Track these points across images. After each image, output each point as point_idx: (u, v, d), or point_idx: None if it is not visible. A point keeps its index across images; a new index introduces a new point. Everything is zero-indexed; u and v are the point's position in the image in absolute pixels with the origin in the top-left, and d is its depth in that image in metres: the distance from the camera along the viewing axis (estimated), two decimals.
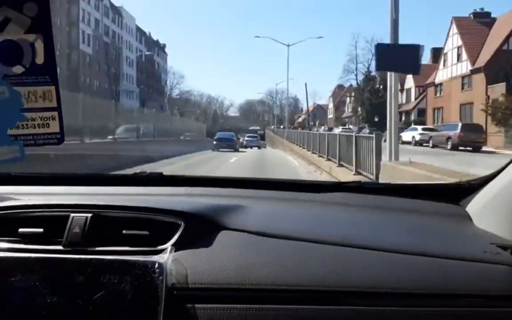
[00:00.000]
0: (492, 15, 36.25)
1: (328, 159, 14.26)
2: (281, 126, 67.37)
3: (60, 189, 1.45)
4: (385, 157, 8.95)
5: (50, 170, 5.01)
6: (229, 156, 22.59)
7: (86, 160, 12.21)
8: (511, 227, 1.09)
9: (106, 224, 1.04)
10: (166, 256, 0.96)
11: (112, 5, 62.25)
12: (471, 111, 33.35)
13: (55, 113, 1.05)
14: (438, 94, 39.92)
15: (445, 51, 38.80)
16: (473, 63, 33.77)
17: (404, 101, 51.39)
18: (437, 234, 1.16)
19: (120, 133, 18.95)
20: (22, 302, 0.91)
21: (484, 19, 35.85)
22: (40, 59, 1.02)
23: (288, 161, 20.81)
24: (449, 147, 23.50)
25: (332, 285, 0.91)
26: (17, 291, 0.92)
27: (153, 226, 1.04)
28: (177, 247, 0.99)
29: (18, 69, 1.02)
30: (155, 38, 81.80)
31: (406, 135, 29.04)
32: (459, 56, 36.29)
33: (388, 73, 9.73)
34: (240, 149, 32.38)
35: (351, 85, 65.75)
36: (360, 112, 59.03)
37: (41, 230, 1.03)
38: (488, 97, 30.06)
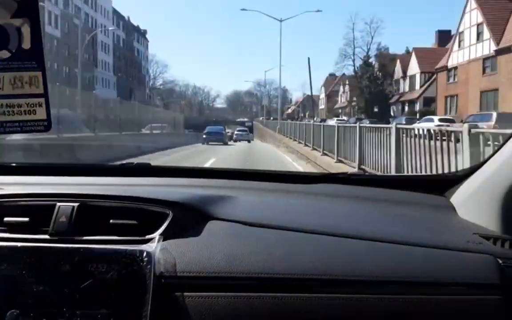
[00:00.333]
0: None
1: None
2: (271, 118, 62.72)
3: (47, 179, 1.45)
4: None
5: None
6: (209, 156, 17.86)
7: None
8: (493, 217, 1.12)
9: (94, 214, 1.04)
10: (154, 245, 0.96)
11: None
12: (495, 98, 28.53)
13: (42, 100, 1.05)
14: (451, 80, 35.01)
15: (460, 29, 33.80)
16: (497, 42, 28.82)
17: (407, 89, 46.33)
18: (422, 224, 1.19)
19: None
20: (8, 291, 0.92)
21: None
22: (26, 44, 1.01)
23: (284, 161, 16.46)
24: None
25: (319, 273, 0.93)
26: (3, 280, 0.92)
27: (141, 216, 1.04)
28: (165, 236, 0.99)
29: (3, 54, 1.01)
30: (135, 24, 76.40)
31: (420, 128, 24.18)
32: (479, 35, 31.34)
33: None
34: (229, 143, 31.83)
35: (344, 74, 60.97)
36: (356, 102, 54.39)
37: (27, 219, 1.04)
38: None
